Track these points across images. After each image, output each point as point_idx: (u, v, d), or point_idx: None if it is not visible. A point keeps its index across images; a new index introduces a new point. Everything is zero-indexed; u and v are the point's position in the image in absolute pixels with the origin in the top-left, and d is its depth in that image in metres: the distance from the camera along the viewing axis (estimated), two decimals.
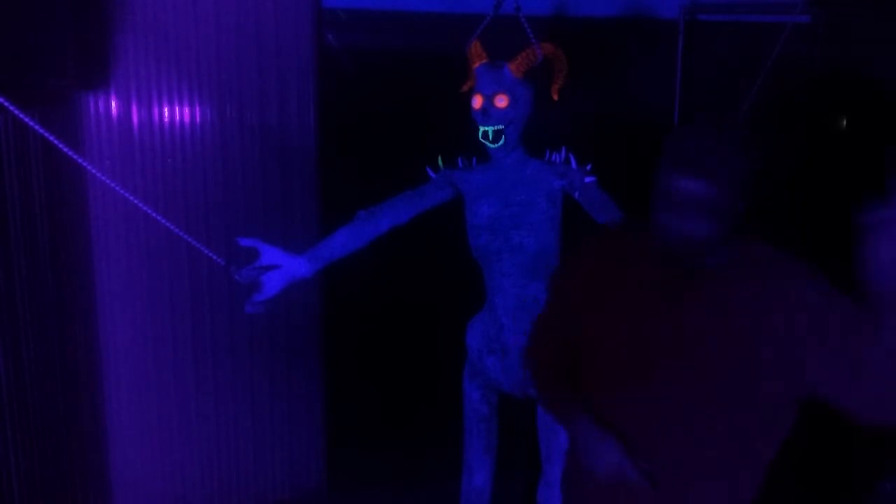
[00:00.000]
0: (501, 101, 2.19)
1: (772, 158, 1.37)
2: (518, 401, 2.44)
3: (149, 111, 2.92)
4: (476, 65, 2.26)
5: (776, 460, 1.45)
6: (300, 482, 3.31)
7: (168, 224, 2.00)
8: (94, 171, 2.04)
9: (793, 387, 1.39)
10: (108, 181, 1.99)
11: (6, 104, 1.71)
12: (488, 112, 2.19)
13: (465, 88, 2.30)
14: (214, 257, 2.07)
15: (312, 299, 3.19)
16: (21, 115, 1.74)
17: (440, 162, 2.39)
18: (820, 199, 3.36)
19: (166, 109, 2.94)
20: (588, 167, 2.29)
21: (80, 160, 1.89)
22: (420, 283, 3.46)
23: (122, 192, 1.95)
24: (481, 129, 2.22)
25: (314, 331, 3.24)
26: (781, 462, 1.46)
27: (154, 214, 1.98)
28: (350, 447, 3.44)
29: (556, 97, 2.30)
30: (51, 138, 1.79)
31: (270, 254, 2.16)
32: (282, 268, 2.17)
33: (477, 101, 2.22)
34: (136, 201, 1.98)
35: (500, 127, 2.20)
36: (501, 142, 2.22)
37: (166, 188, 2.96)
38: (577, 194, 2.28)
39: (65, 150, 1.81)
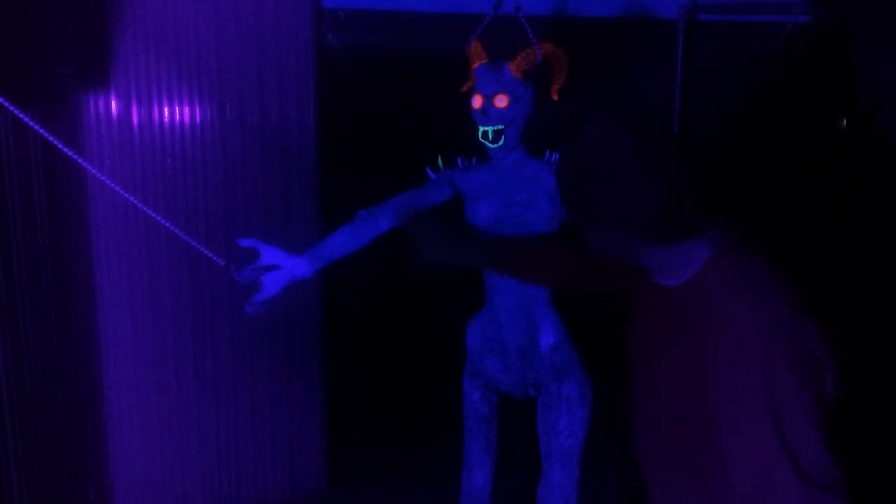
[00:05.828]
0: (501, 101, 2.19)
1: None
2: (518, 401, 2.44)
3: (149, 111, 2.92)
4: (476, 65, 2.26)
5: None
6: (300, 482, 3.31)
7: (168, 224, 2.00)
8: (94, 171, 2.03)
9: None
10: (108, 181, 1.98)
11: (6, 104, 1.71)
12: (488, 112, 2.19)
13: (465, 88, 2.30)
14: (214, 257, 2.06)
15: (312, 299, 3.20)
16: (21, 115, 1.73)
17: (440, 162, 2.39)
18: (820, 198, 3.36)
19: (166, 109, 2.94)
20: None
21: (80, 160, 1.89)
22: (420, 283, 3.45)
23: (122, 192, 1.95)
24: (481, 129, 2.22)
25: (314, 331, 3.24)
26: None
27: (154, 214, 1.98)
28: (350, 447, 3.44)
29: (556, 97, 2.30)
30: (51, 138, 1.78)
31: (270, 254, 2.16)
32: (282, 268, 2.17)
33: (477, 101, 2.22)
34: (136, 201, 1.97)
35: (500, 127, 2.20)
36: (501, 142, 2.22)
37: (166, 188, 2.96)
38: None
39: (65, 150, 1.81)
